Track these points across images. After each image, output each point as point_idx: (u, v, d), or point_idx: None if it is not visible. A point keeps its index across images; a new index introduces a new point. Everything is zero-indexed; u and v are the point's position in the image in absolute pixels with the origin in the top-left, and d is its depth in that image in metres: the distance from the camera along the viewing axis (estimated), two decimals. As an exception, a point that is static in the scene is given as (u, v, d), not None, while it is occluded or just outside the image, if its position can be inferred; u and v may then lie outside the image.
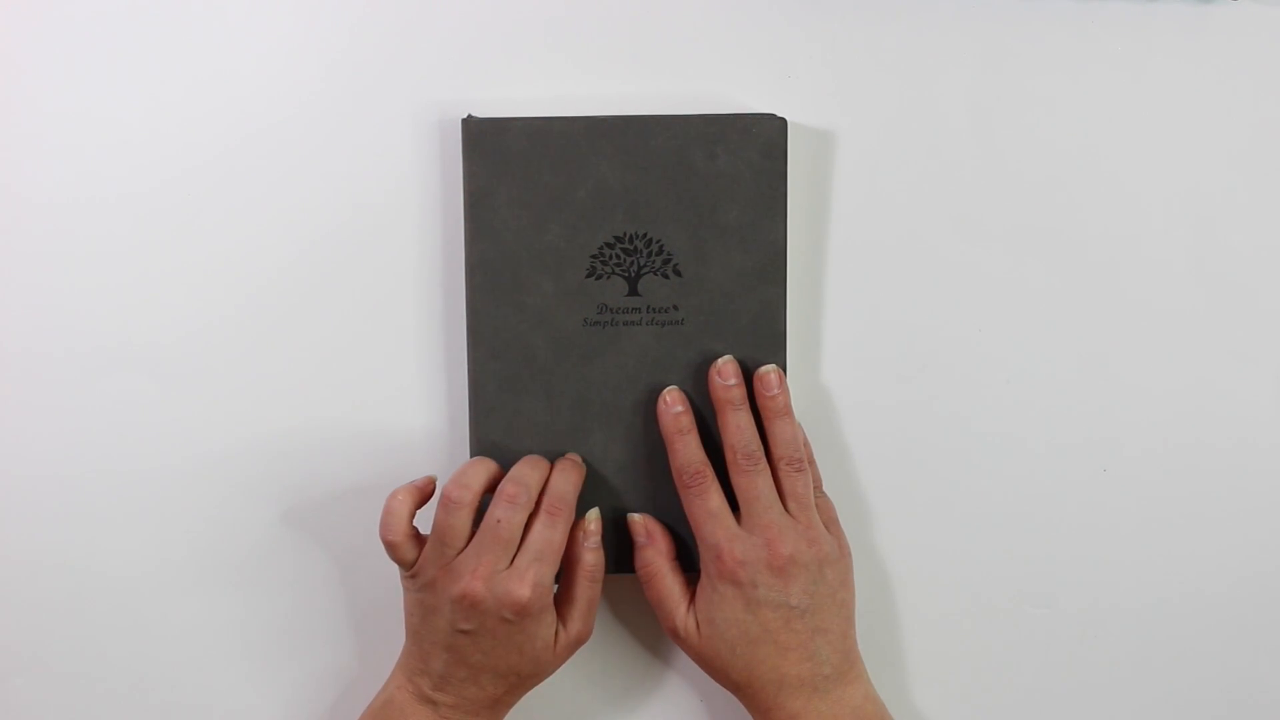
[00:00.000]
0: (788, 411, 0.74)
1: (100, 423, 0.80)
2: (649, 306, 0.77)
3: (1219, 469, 0.80)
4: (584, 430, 0.77)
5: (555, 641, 0.73)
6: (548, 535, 0.72)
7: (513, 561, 0.71)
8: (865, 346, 0.79)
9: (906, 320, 0.79)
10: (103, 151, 0.79)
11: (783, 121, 0.76)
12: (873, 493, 0.79)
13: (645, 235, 0.76)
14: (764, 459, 0.73)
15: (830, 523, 0.75)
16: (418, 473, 0.77)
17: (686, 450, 0.74)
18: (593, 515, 0.75)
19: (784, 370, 0.76)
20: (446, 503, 0.72)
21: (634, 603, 0.80)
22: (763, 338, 0.76)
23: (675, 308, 0.77)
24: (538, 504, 0.73)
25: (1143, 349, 0.80)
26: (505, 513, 0.71)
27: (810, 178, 0.79)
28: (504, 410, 0.77)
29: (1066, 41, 0.78)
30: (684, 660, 0.81)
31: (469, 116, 0.77)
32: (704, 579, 0.73)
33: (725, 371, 0.74)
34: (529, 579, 0.71)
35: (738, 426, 0.73)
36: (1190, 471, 0.80)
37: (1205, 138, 0.79)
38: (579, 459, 0.76)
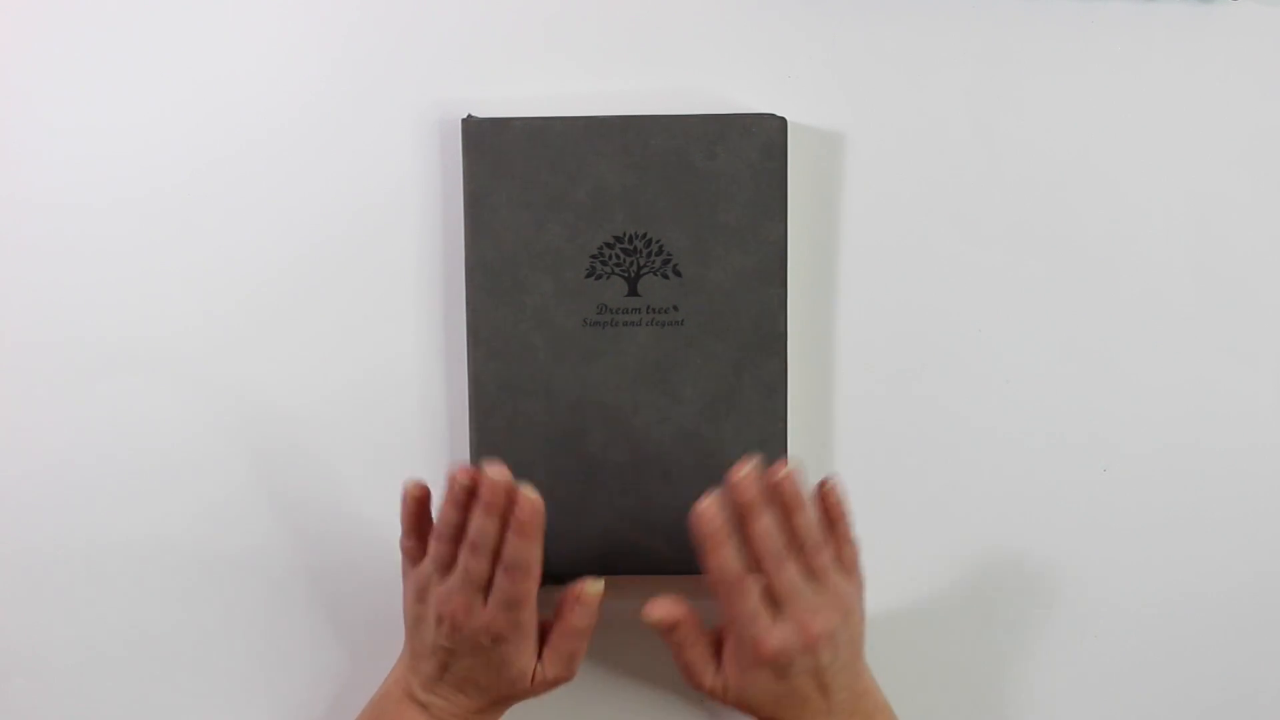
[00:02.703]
0: (804, 504, 0.72)
1: (100, 423, 0.80)
2: (649, 306, 0.77)
3: (1219, 467, 0.80)
4: (584, 430, 0.77)
5: (533, 676, 0.73)
6: (510, 589, 0.70)
7: (487, 601, 0.71)
8: (865, 346, 0.79)
9: (906, 320, 0.79)
10: (102, 153, 0.79)
11: (783, 121, 0.76)
12: (872, 492, 0.79)
13: (645, 235, 0.76)
14: (786, 554, 0.71)
15: (853, 564, 0.75)
16: (417, 473, 0.77)
17: (724, 560, 0.70)
18: (594, 588, 0.73)
19: (784, 372, 0.76)
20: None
21: (628, 605, 0.80)
22: (763, 338, 0.76)
23: (675, 308, 0.77)
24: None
25: (1142, 348, 0.80)
26: (472, 562, 0.70)
27: (810, 177, 0.79)
28: (504, 410, 0.77)
29: (1065, 41, 0.78)
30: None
31: (469, 116, 0.77)
32: (738, 656, 0.72)
33: (748, 479, 0.70)
34: (501, 620, 0.71)
35: (763, 534, 0.70)
36: (1190, 470, 0.80)
37: (1205, 137, 0.79)
38: (533, 504, 0.70)
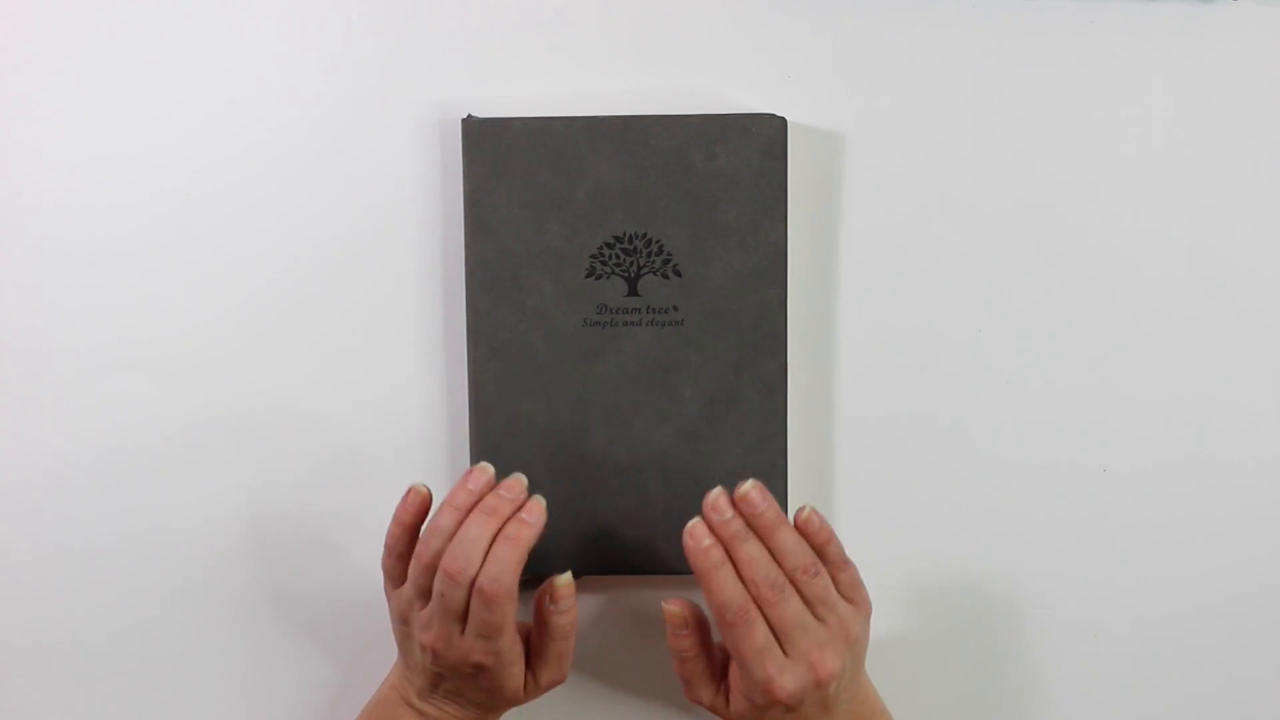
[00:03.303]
0: (782, 520, 0.70)
1: (101, 424, 0.80)
2: (649, 306, 0.76)
3: (1218, 467, 0.80)
4: (584, 430, 0.77)
5: (525, 687, 0.73)
6: (485, 618, 0.68)
7: (463, 631, 0.69)
8: (865, 346, 0.79)
9: (906, 320, 0.79)
10: (103, 155, 0.79)
11: (783, 121, 0.76)
12: (872, 492, 0.79)
13: (645, 235, 0.76)
14: (786, 581, 0.70)
15: (853, 589, 0.73)
16: (418, 473, 0.77)
17: (724, 587, 0.69)
18: (563, 581, 0.72)
19: (784, 372, 0.76)
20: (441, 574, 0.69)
21: (628, 604, 0.80)
22: (762, 338, 0.76)
23: (675, 308, 0.76)
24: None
25: (1142, 347, 0.80)
26: (447, 589, 0.68)
27: (810, 178, 0.78)
28: (504, 410, 0.77)
29: (1065, 40, 0.78)
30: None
31: (469, 116, 0.77)
32: (744, 690, 0.71)
33: (719, 506, 0.70)
34: (478, 650, 0.69)
35: (751, 560, 0.69)
36: (1190, 470, 0.80)
37: (1206, 138, 0.79)
38: (536, 511, 0.70)
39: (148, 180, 0.79)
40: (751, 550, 0.69)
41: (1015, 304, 0.79)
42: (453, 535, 0.69)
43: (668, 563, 0.77)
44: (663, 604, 0.72)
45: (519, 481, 0.70)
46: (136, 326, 0.79)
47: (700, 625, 0.73)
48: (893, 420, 0.80)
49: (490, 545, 0.68)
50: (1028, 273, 0.79)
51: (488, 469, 0.71)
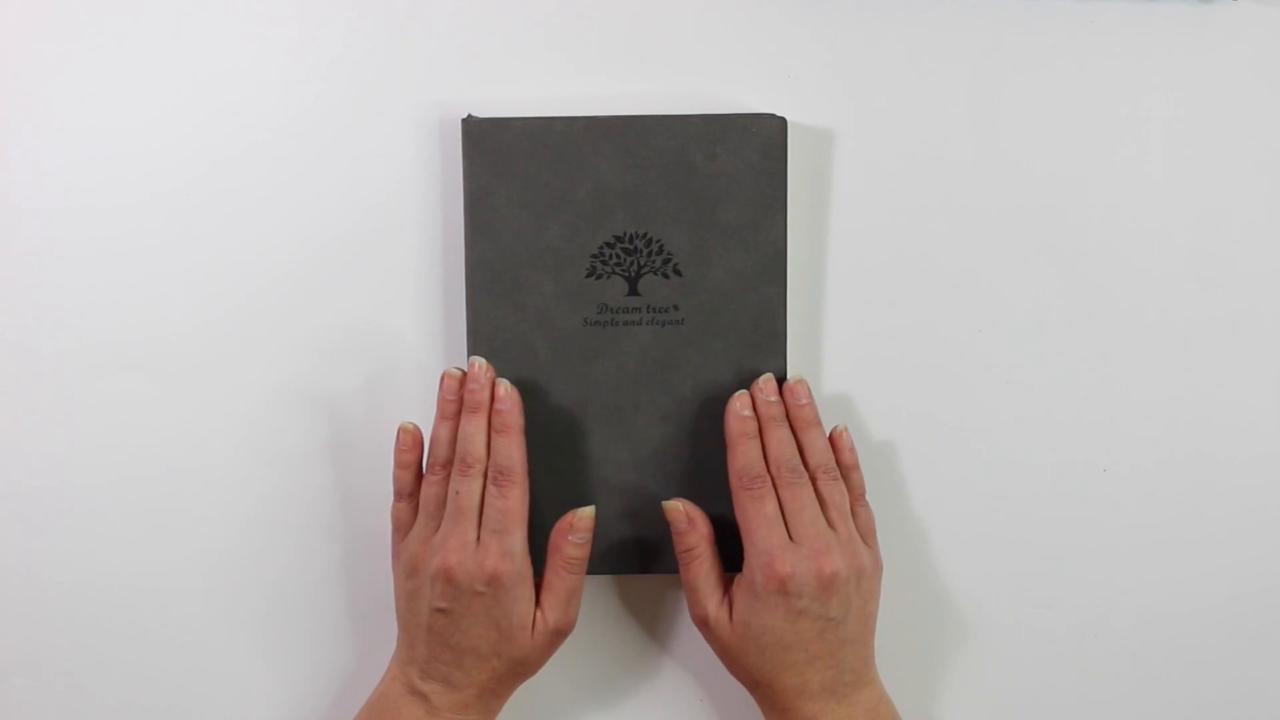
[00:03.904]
0: (818, 422, 0.75)
1: (100, 423, 0.80)
2: (649, 306, 0.77)
3: (1218, 467, 0.80)
4: (584, 430, 0.77)
5: (533, 626, 0.73)
6: (500, 505, 0.72)
7: (479, 536, 0.72)
8: (864, 346, 0.79)
9: (905, 319, 0.79)
10: (103, 156, 0.79)
11: (783, 121, 0.76)
12: (871, 491, 0.79)
13: (645, 235, 0.76)
14: (805, 471, 0.74)
15: (868, 534, 0.76)
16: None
17: (750, 454, 0.74)
18: (585, 513, 0.74)
19: (784, 371, 0.76)
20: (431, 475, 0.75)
21: (628, 604, 0.80)
22: (762, 337, 0.76)
23: (675, 308, 0.77)
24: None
25: (1142, 346, 0.80)
26: (463, 486, 0.73)
27: (810, 178, 0.79)
28: (504, 410, 0.77)
29: (1066, 41, 0.78)
30: (681, 663, 0.81)
31: (469, 116, 0.77)
32: (747, 581, 0.72)
33: (767, 389, 0.75)
34: (493, 551, 0.71)
35: (779, 441, 0.74)
36: (1189, 470, 0.80)
37: (1205, 137, 0.79)
38: (510, 401, 0.74)
39: (148, 180, 0.79)
40: (783, 435, 0.74)
41: (1015, 303, 0.79)
42: (454, 440, 0.74)
43: (668, 562, 0.77)
44: (663, 504, 0.75)
45: (476, 366, 0.74)
46: (136, 326, 0.79)
47: (703, 520, 0.75)
48: (892, 419, 0.80)
49: (489, 437, 0.73)
50: (1027, 272, 0.79)
51: (455, 373, 0.75)
